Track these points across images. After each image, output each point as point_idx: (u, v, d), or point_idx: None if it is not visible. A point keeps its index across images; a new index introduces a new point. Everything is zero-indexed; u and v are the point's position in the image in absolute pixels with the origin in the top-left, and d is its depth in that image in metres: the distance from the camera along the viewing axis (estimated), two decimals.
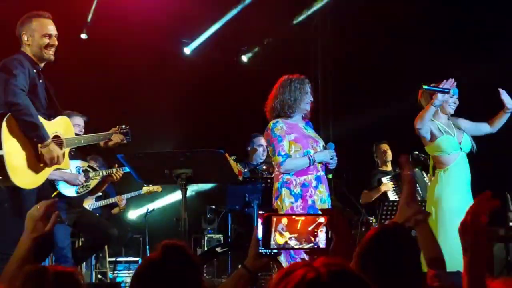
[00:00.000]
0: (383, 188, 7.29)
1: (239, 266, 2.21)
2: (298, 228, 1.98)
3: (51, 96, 4.53)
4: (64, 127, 4.51)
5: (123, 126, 4.86)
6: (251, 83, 8.59)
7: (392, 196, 7.21)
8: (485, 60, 7.75)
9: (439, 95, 4.84)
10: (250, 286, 2.18)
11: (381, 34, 8.77)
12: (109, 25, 8.70)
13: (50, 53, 4.46)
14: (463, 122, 5.21)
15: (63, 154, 4.39)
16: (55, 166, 4.34)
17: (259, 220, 2.05)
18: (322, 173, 4.70)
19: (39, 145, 4.20)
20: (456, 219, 4.80)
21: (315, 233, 1.96)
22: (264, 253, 2.06)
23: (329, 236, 1.95)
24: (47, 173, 4.34)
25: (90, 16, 8.76)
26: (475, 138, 5.23)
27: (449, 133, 5.08)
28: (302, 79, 4.81)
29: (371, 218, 7.15)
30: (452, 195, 4.96)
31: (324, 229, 1.97)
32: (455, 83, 4.88)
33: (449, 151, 5.03)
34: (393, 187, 7.27)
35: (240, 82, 9.32)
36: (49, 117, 4.42)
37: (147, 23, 8.77)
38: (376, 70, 8.78)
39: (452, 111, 5.13)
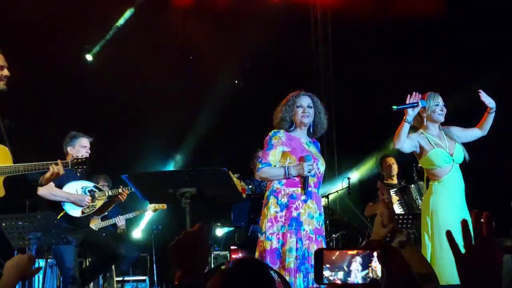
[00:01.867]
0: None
1: None
2: (333, 258, 1.95)
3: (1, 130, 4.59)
4: None
5: (78, 156, 4.94)
6: (253, 100, 8.65)
7: (398, 209, 7.18)
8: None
9: (409, 110, 4.88)
10: None
11: (384, 45, 8.83)
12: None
13: (2, 83, 4.54)
14: (455, 131, 5.21)
15: None
16: None
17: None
18: (314, 190, 4.68)
19: None
20: (451, 231, 4.84)
21: (350, 264, 1.92)
22: None
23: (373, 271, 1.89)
24: None
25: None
26: (472, 148, 5.23)
27: (440, 146, 5.07)
28: (298, 94, 4.84)
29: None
30: (447, 207, 4.94)
31: (358, 260, 1.92)
32: (420, 95, 4.93)
33: (440, 165, 5.02)
34: (398, 201, 7.25)
35: (242, 99, 9.36)
36: None
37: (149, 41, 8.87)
38: (381, 81, 8.81)
39: (441, 119, 5.13)
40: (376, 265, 1.90)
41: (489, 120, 5.12)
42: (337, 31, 9.83)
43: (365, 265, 1.88)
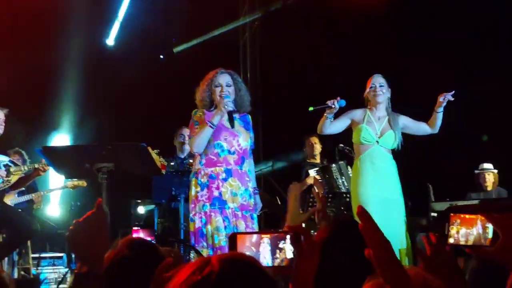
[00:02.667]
0: (309, 181, 7.34)
1: None
2: (245, 241, 1.93)
3: None
4: None
5: None
6: (178, 76, 8.53)
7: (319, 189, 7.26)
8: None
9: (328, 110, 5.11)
10: None
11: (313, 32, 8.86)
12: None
13: None
14: (403, 120, 5.38)
15: None
16: None
17: None
18: (235, 167, 4.68)
19: None
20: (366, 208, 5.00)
21: (258, 245, 1.91)
22: None
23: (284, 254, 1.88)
24: None
25: None
26: (412, 136, 5.37)
27: (372, 124, 5.27)
28: (216, 73, 4.79)
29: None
30: (362, 185, 5.20)
31: (266, 241, 1.91)
32: (338, 98, 5.07)
33: (361, 140, 5.27)
34: (319, 180, 7.31)
35: (167, 75, 9.21)
36: None
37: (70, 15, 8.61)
38: (308, 68, 8.84)
39: (378, 99, 5.30)
40: (284, 246, 1.89)
41: (438, 119, 5.28)
42: (266, 8, 9.77)
43: (273, 246, 1.87)
